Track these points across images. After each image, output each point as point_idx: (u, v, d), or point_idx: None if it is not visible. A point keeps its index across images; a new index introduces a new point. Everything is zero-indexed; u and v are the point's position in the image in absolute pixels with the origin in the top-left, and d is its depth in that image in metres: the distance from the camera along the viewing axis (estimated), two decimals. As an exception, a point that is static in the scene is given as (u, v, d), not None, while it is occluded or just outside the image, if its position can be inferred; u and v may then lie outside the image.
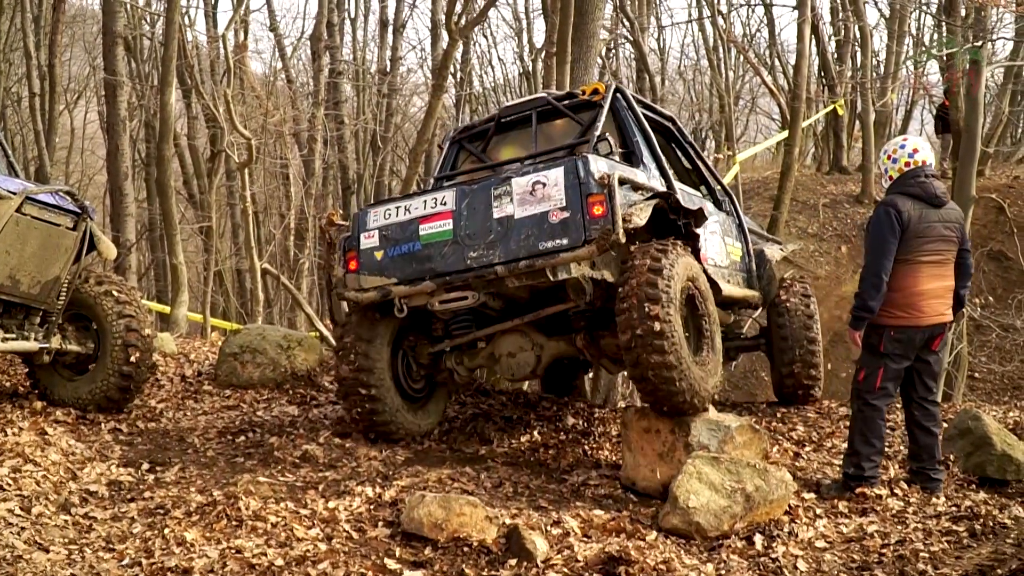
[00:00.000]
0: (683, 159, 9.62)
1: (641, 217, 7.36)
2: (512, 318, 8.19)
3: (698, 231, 8.15)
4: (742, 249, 9.61)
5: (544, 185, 7.34)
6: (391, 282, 7.83)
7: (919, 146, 7.38)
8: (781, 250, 10.78)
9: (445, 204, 7.71)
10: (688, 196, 8.75)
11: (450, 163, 9.45)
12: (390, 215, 7.95)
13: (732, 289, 8.89)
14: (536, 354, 8.28)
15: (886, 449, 7.63)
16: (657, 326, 6.90)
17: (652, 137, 8.83)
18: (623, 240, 7.11)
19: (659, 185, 8.28)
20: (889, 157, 7.44)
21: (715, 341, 7.79)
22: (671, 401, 7.03)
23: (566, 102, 8.87)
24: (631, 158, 8.45)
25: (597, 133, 8.13)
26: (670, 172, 8.72)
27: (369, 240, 7.99)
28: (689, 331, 7.53)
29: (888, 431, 7.96)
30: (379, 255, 7.92)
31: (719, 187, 9.83)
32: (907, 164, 7.31)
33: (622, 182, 7.40)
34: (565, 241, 7.19)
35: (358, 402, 8.09)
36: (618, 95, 8.81)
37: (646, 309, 6.95)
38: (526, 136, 8.98)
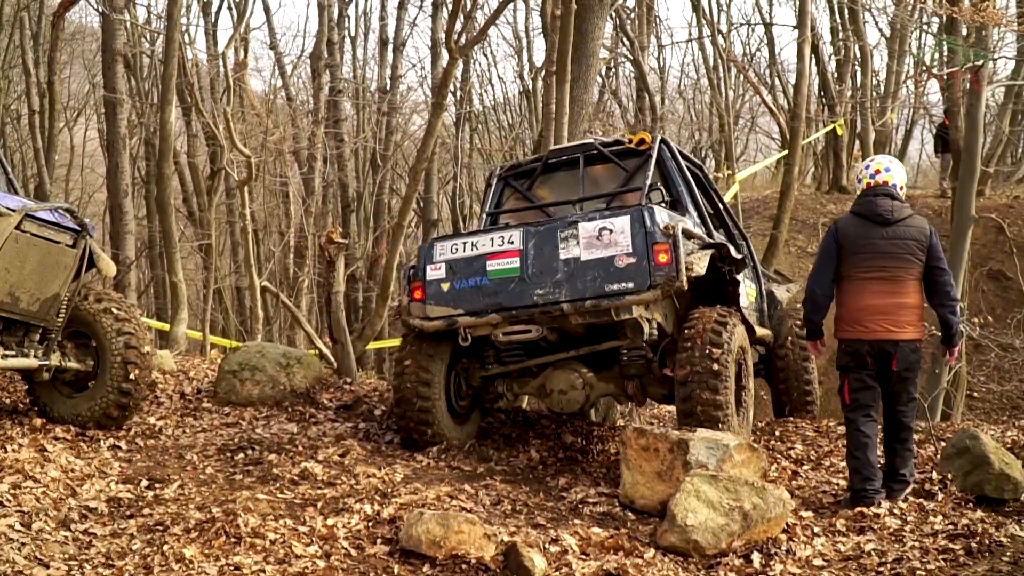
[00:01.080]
0: (707, 204, 9.91)
1: (701, 267, 8.03)
2: (563, 350, 8.75)
3: (738, 277, 8.88)
4: (756, 290, 10.08)
5: (611, 231, 7.99)
6: (457, 313, 8.40)
7: (882, 166, 7.71)
8: (787, 291, 11.23)
9: (512, 243, 8.33)
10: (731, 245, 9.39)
11: (496, 199, 10.04)
12: (457, 250, 8.53)
13: (759, 330, 9.41)
14: (586, 393, 8.70)
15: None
16: (716, 367, 7.66)
17: (693, 186, 9.49)
18: (686, 287, 7.83)
19: (701, 232, 8.85)
20: (856, 178, 7.89)
21: (749, 412, 8.44)
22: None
23: (612, 148, 9.51)
24: (676, 206, 9.07)
25: (648, 182, 8.82)
26: (708, 219, 9.41)
27: (436, 272, 8.54)
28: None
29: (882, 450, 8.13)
30: (446, 287, 8.48)
31: (737, 230, 10.27)
32: (868, 184, 7.67)
33: (684, 234, 8.03)
34: (631, 284, 7.85)
35: (412, 413, 8.64)
36: (663, 145, 9.43)
37: (708, 351, 7.71)
38: (572, 178, 9.58)
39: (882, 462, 7.70)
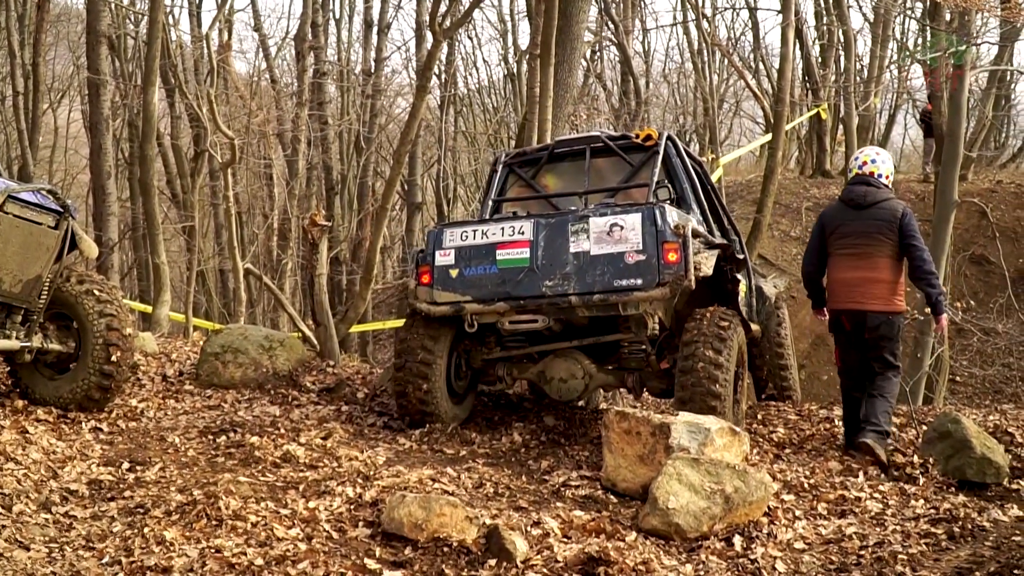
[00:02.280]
0: (706, 200, 10.08)
1: (708, 267, 8.27)
2: (565, 340, 9.02)
3: (739, 276, 9.29)
4: (747, 285, 10.18)
5: (622, 228, 8.16)
6: (465, 299, 8.57)
7: (869, 158, 8.64)
8: (775, 286, 11.68)
9: (523, 234, 8.49)
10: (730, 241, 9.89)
11: (500, 185, 10.16)
12: (467, 237, 8.69)
13: (752, 326, 9.81)
14: (585, 383, 8.95)
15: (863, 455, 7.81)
16: (719, 366, 7.93)
17: (696, 183, 9.75)
18: (694, 287, 8.05)
19: (704, 230, 9.13)
20: (849, 167, 8.79)
21: (742, 404, 8.76)
22: None
23: (619, 143, 9.70)
24: (680, 203, 9.31)
25: (655, 179, 9.13)
26: (709, 216, 9.78)
27: (444, 257, 8.70)
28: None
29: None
30: (454, 273, 8.63)
31: (730, 225, 10.53)
32: (856, 174, 8.62)
33: (692, 233, 8.21)
34: (639, 281, 8.04)
35: (413, 392, 8.80)
36: (669, 143, 9.66)
37: (712, 352, 7.97)
38: (577, 169, 9.78)
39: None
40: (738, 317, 8.67)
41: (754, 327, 9.99)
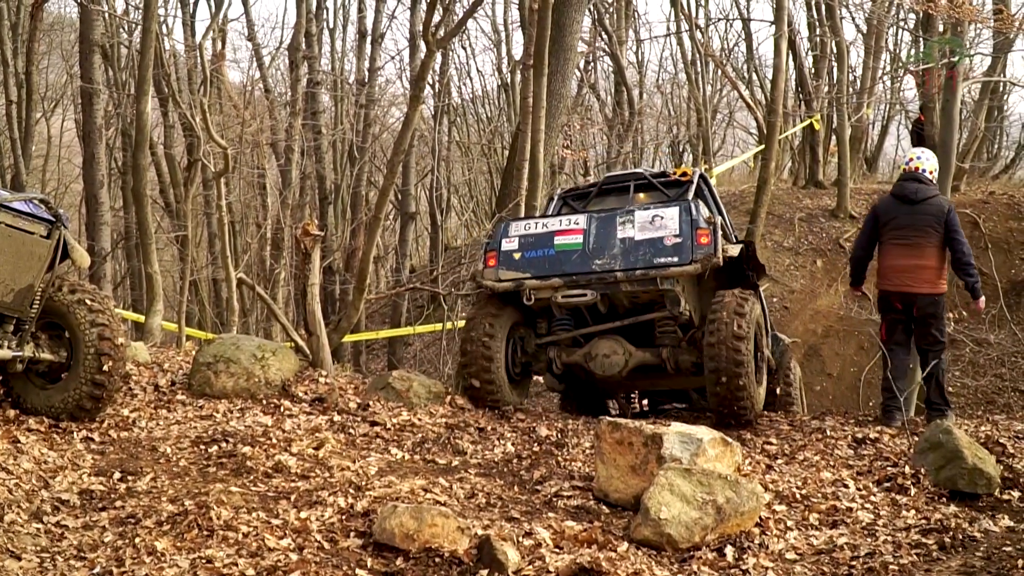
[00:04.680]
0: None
1: (733, 252, 9.98)
2: (607, 322, 10.36)
3: (759, 283, 10.91)
4: (763, 317, 11.48)
5: (662, 218, 9.74)
6: (525, 276, 10.09)
7: (916, 156, 10.13)
8: (787, 338, 13.78)
9: (578, 224, 10.08)
10: None
11: (556, 212, 11.32)
12: (529, 228, 10.33)
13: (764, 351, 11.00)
14: (625, 358, 10.27)
15: (863, 464, 7.80)
16: (740, 331, 9.26)
17: (723, 209, 11.36)
18: (721, 264, 9.60)
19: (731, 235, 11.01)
20: (898, 165, 10.50)
21: (763, 369, 10.20)
22: (735, 401, 9.35)
23: (659, 178, 11.29)
24: None
25: (691, 195, 10.68)
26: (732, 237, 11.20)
27: (509, 244, 10.24)
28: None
29: (855, 444, 8.37)
30: (517, 256, 10.17)
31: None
32: (904, 170, 10.09)
33: (723, 227, 10.04)
34: (676, 259, 9.56)
35: (480, 374, 10.12)
36: (701, 179, 11.28)
37: (734, 320, 9.31)
38: (622, 202, 10.99)
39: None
40: (755, 295, 10.08)
41: (767, 353, 10.89)
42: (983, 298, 10.06)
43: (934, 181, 9.98)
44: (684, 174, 11.22)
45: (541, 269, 10.04)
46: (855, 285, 10.70)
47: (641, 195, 11.16)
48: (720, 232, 9.74)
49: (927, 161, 10.02)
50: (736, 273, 10.46)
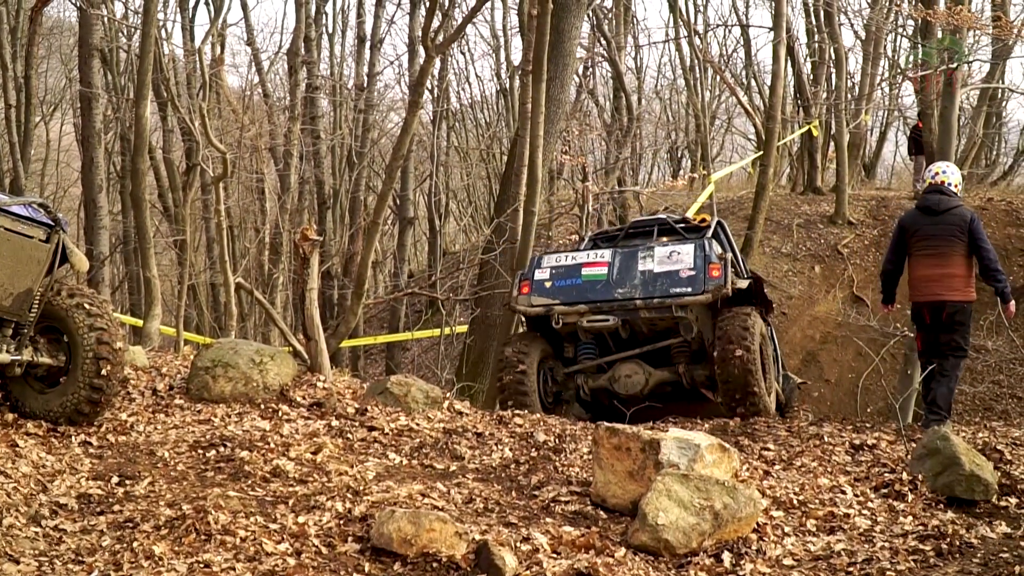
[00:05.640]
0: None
1: (742, 285, 11.11)
2: (627, 349, 11.35)
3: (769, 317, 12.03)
4: (775, 357, 12.68)
5: (679, 253, 10.90)
6: (555, 302, 11.22)
7: (940, 170, 10.33)
8: (796, 378, 15.18)
9: (603, 257, 11.30)
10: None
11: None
12: (560, 260, 11.55)
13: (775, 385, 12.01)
14: (645, 377, 11.33)
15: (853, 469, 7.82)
16: (746, 339, 10.35)
17: (736, 249, 12.43)
18: (731, 295, 10.69)
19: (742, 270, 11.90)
20: (922, 179, 10.59)
21: (769, 372, 11.14)
22: (748, 401, 10.40)
23: (680, 224, 12.51)
24: None
25: (709, 236, 11.66)
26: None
27: (541, 274, 11.39)
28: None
29: (853, 450, 8.40)
30: (548, 284, 11.29)
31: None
32: (929, 183, 10.26)
33: (733, 263, 11.05)
34: (690, 289, 10.69)
35: (517, 401, 10.99)
36: (719, 224, 12.46)
37: (740, 330, 10.41)
38: (645, 244, 11.87)
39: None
40: (756, 312, 11.03)
41: (777, 387, 11.92)
42: (1012, 302, 10.16)
43: (959, 194, 10.18)
44: (703, 220, 12.53)
45: (569, 296, 11.15)
46: (887, 303, 10.84)
47: (664, 239, 12.12)
48: (731, 267, 10.80)
49: (952, 175, 10.25)
50: (744, 304, 11.27)
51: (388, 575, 5.56)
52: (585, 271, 11.20)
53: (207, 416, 9.25)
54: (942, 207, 9.99)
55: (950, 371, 9.92)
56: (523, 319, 12.08)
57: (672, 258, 10.88)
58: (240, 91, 31.46)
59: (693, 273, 10.68)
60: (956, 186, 10.19)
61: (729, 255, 11.04)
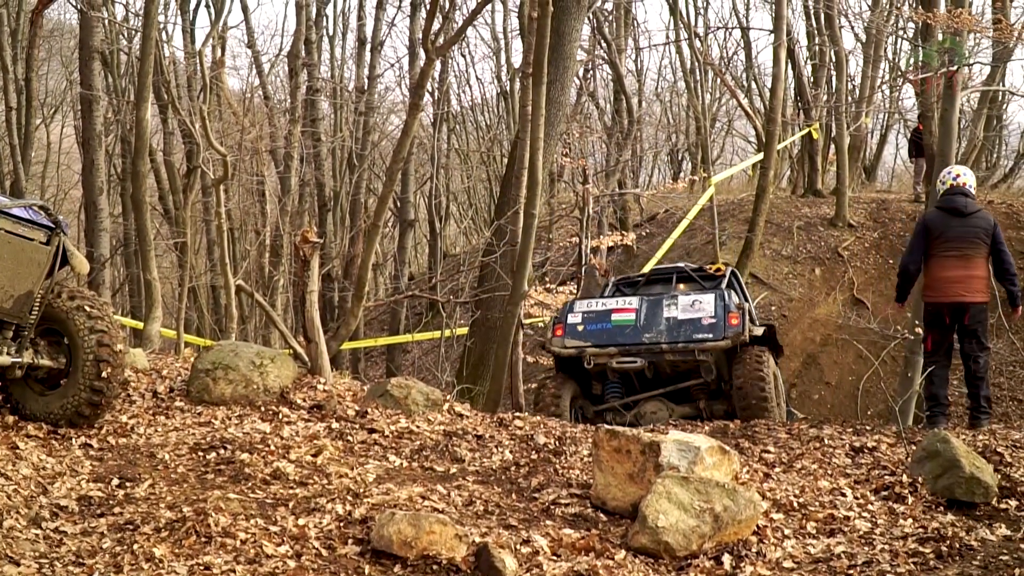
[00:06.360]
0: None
1: (758, 332, 11.96)
2: (651, 390, 12.13)
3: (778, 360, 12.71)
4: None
5: (701, 303, 11.82)
6: (587, 344, 12.05)
7: (959, 172, 10.55)
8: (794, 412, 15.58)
9: (631, 304, 12.19)
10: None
11: (610, 295, 13.57)
12: (591, 306, 12.40)
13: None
14: (668, 413, 12.07)
15: (852, 472, 7.81)
16: (762, 378, 11.27)
17: (748, 296, 13.35)
18: (748, 341, 11.58)
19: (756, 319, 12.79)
20: (940, 181, 10.67)
21: (780, 407, 11.83)
22: (762, 409, 11.19)
23: (698, 272, 13.67)
24: None
25: (724, 284, 12.88)
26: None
27: (574, 318, 12.25)
28: None
29: (853, 452, 8.41)
30: (580, 328, 12.14)
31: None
32: (951, 185, 10.41)
33: (749, 312, 11.90)
34: (711, 336, 11.58)
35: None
36: (732, 274, 13.53)
37: (757, 369, 11.34)
38: (666, 289, 13.21)
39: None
40: (768, 351, 11.87)
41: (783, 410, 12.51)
42: (1021, 307, 10.43)
43: (975, 196, 10.49)
44: (718, 269, 13.66)
45: (600, 339, 12.02)
46: (901, 301, 11.12)
47: (681, 285, 13.40)
48: (748, 316, 11.73)
49: (971, 177, 10.51)
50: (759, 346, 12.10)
51: (388, 577, 5.56)
52: (615, 316, 12.12)
53: (207, 418, 9.25)
54: (969, 209, 10.24)
55: (984, 371, 10.27)
56: (554, 358, 12.76)
57: (695, 307, 11.81)
58: (241, 93, 31.48)
59: (714, 321, 11.62)
60: (974, 188, 10.46)
61: (747, 305, 12.04)
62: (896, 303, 11.27)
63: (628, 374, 12.17)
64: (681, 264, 15.03)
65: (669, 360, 11.86)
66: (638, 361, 11.82)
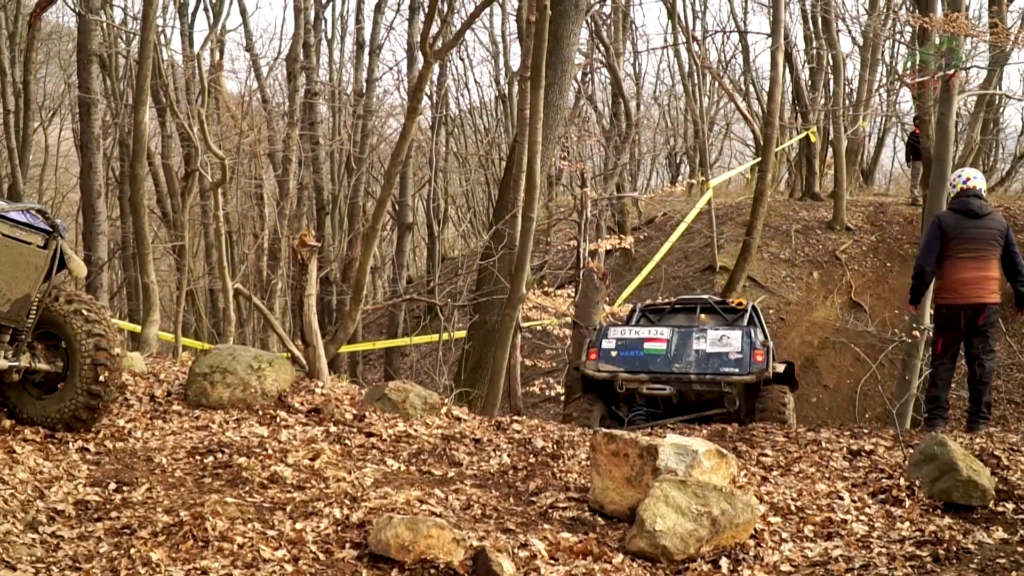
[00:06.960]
0: None
1: (779, 369, 12.50)
2: (675, 415, 12.36)
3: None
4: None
5: (728, 338, 12.31)
6: (619, 370, 12.33)
7: (971, 175, 10.57)
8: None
9: (663, 335, 12.58)
10: None
11: (636, 322, 14.00)
12: (625, 333, 12.79)
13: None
14: None
15: (850, 474, 7.80)
16: (784, 413, 11.85)
17: (767, 330, 13.57)
18: (771, 377, 12.10)
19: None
20: (950, 184, 10.76)
21: (792, 417, 12.36)
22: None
23: (720, 305, 14.20)
24: None
25: (746, 321, 13.41)
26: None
27: (608, 343, 12.58)
28: None
29: (850, 456, 8.40)
30: (614, 353, 12.47)
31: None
32: (962, 188, 10.43)
33: (771, 350, 12.39)
34: (737, 370, 12.06)
35: None
36: (754, 309, 13.96)
37: (781, 406, 11.91)
38: (690, 319, 13.83)
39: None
40: (791, 392, 12.64)
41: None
42: None
43: (987, 198, 10.59)
44: (739, 303, 14.23)
45: (632, 366, 12.40)
46: (916, 303, 11.34)
47: (703, 316, 13.91)
48: (771, 354, 12.23)
49: (981, 180, 10.61)
50: (779, 383, 12.69)
51: (385, 581, 5.56)
52: (647, 345, 12.58)
53: (205, 422, 9.24)
54: (984, 211, 10.31)
55: (989, 376, 10.47)
56: (583, 380, 12.96)
57: (723, 341, 12.33)
58: (239, 97, 31.42)
59: (740, 356, 12.13)
60: (984, 191, 10.57)
61: (771, 343, 12.61)
62: (910, 305, 11.52)
63: (655, 399, 12.57)
64: (705, 296, 15.77)
65: (696, 389, 12.30)
66: (667, 388, 12.24)
